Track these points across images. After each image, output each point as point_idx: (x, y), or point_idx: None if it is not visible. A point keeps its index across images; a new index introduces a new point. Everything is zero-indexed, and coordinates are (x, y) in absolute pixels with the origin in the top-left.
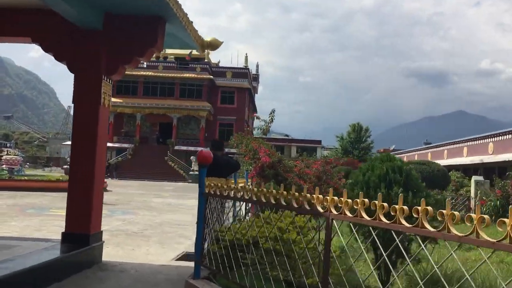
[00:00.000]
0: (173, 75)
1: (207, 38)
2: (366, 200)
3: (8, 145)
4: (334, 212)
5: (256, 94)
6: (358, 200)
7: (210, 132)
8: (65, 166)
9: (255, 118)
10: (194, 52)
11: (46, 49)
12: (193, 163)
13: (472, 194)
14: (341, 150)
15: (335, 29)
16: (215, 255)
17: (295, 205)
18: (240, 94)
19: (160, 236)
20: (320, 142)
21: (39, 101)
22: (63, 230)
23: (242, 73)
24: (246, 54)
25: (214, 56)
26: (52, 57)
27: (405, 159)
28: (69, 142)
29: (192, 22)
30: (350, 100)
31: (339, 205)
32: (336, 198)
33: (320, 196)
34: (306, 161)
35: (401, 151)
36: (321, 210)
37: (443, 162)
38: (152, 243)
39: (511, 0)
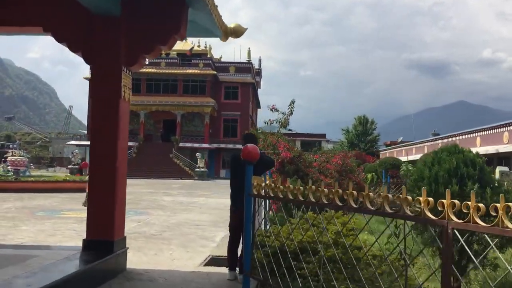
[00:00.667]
0: (176, 71)
1: (231, 24)
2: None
3: (12, 146)
4: (455, 219)
5: (259, 89)
6: (469, 203)
7: (214, 128)
8: (69, 166)
9: (273, 110)
10: (196, 47)
11: (59, 39)
12: (198, 159)
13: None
14: (347, 143)
15: (335, 22)
16: (261, 263)
17: (410, 213)
18: (244, 89)
19: (180, 239)
20: (324, 135)
21: (40, 101)
22: (78, 234)
23: (245, 67)
24: (249, 48)
25: (215, 52)
26: (52, 57)
27: (413, 151)
28: (73, 142)
29: (217, 6)
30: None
31: (464, 210)
32: (457, 202)
33: (430, 199)
34: (325, 155)
35: (410, 142)
36: (433, 217)
37: None
38: (174, 247)
39: None
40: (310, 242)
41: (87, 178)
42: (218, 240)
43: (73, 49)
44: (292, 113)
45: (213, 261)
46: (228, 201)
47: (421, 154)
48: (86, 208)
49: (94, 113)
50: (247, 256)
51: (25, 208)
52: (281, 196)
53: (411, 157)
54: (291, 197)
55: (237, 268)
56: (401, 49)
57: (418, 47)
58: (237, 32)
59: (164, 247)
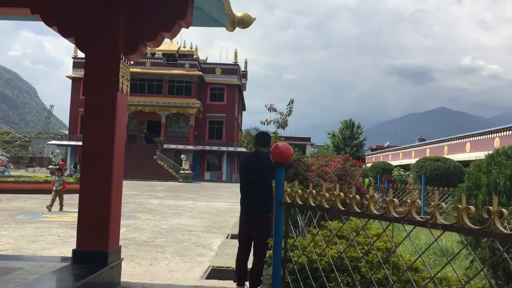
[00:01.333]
0: (161, 71)
1: (238, 13)
2: None
3: None
4: None
5: (244, 91)
6: None
7: (199, 130)
8: (50, 166)
9: (271, 110)
10: (182, 48)
11: (48, 23)
12: (183, 161)
13: None
14: (333, 147)
15: (319, 26)
16: (287, 283)
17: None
18: (230, 91)
19: (175, 246)
20: (309, 139)
21: (20, 100)
22: (63, 240)
23: (231, 69)
24: (236, 50)
25: (200, 54)
26: (33, 56)
27: (400, 156)
28: (53, 141)
29: None
30: (334, 98)
31: None
32: None
33: None
34: (324, 158)
35: (397, 147)
36: None
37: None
38: (170, 256)
39: None
40: (346, 259)
41: (54, 178)
42: (215, 248)
43: (65, 34)
44: (291, 113)
45: (214, 272)
46: (218, 205)
47: (409, 159)
48: (63, 211)
49: (87, 107)
50: (275, 277)
51: (4, 211)
52: (327, 206)
53: (397, 162)
54: (326, 206)
55: (247, 283)
56: (384, 54)
57: (400, 53)
58: (245, 22)
59: (159, 256)
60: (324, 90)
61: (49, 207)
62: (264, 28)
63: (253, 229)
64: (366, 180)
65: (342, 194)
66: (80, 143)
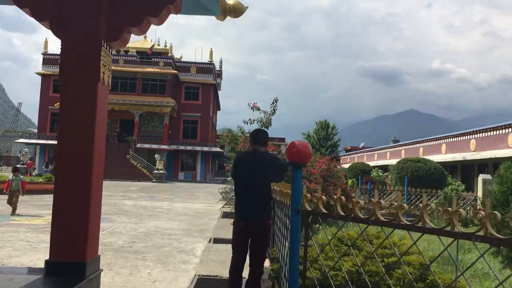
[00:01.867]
0: (135, 69)
1: (230, 1)
2: None
3: None
4: None
5: (219, 91)
6: None
7: (174, 129)
8: (18, 165)
9: (254, 109)
10: (156, 46)
11: (19, 3)
12: (157, 161)
13: (480, 194)
14: None
15: (293, 28)
16: None
17: None
18: (205, 90)
19: (156, 252)
20: (284, 139)
21: None
22: (32, 246)
23: (207, 68)
24: (211, 48)
25: (174, 53)
26: (1, 52)
27: (375, 157)
28: (22, 140)
29: None
30: (308, 99)
31: None
32: None
33: None
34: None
35: (372, 148)
36: None
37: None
38: (151, 263)
39: (460, 3)
40: (365, 274)
41: (11, 177)
42: (199, 254)
43: (39, 17)
44: (275, 112)
45: (201, 282)
46: (195, 206)
47: (385, 160)
48: (15, 214)
49: (63, 101)
50: None
51: None
52: (362, 216)
53: (373, 163)
54: (361, 216)
55: None
56: (356, 57)
57: (372, 56)
58: (237, 10)
59: (139, 264)
60: (298, 91)
61: (13, 211)
62: (239, 28)
63: (250, 236)
64: (350, 181)
65: (382, 202)
66: (50, 142)
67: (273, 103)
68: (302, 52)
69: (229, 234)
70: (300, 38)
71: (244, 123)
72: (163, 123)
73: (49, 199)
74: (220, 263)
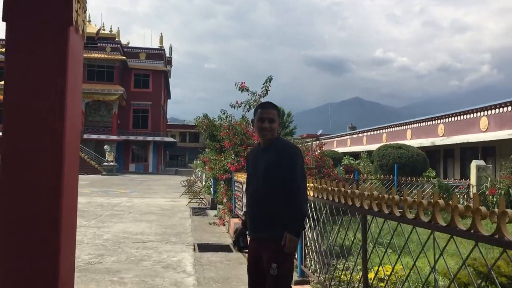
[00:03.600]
0: None
1: None
2: None
3: None
4: None
5: (170, 79)
6: None
7: (123, 119)
8: None
9: (242, 90)
10: (102, 30)
11: None
12: (106, 153)
13: (473, 181)
14: None
15: (239, 16)
16: None
17: None
18: (156, 77)
19: (135, 270)
20: None
21: None
22: None
23: (157, 54)
24: (162, 33)
25: (121, 39)
26: None
27: (334, 144)
28: None
29: None
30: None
31: None
32: None
33: None
34: (301, 147)
35: (330, 135)
36: None
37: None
38: None
39: None
40: None
41: None
42: (190, 269)
43: None
44: (267, 93)
45: None
46: (158, 202)
47: (345, 147)
48: None
49: (10, 60)
50: None
51: None
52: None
53: (341, 150)
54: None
55: None
56: (303, 46)
57: (318, 45)
58: None
59: None
60: (245, 80)
61: None
62: (185, 16)
63: (258, 260)
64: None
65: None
66: None
67: (265, 82)
68: (249, 41)
69: (211, 238)
70: (246, 26)
71: (231, 107)
72: (112, 112)
73: None
74: (223, 284)
